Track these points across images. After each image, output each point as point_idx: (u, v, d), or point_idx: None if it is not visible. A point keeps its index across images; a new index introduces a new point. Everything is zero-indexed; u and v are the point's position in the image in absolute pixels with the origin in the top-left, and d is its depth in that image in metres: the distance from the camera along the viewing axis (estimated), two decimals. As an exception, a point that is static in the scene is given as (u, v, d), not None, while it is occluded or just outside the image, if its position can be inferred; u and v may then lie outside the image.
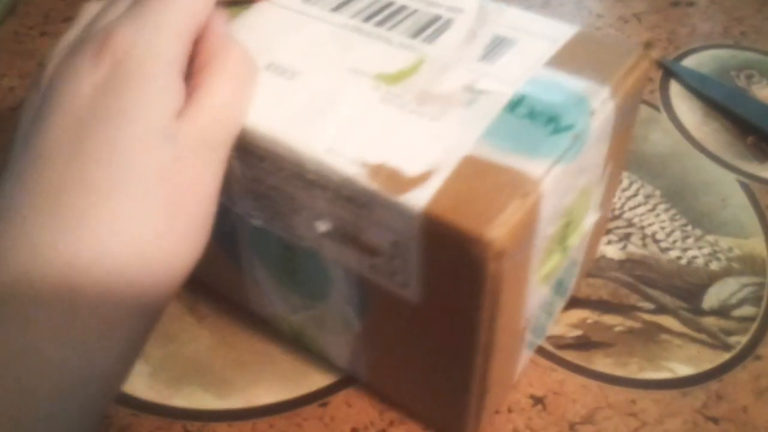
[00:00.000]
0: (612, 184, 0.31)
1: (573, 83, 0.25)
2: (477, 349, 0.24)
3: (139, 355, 0.22)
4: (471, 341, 0.24)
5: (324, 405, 0.31)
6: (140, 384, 0.31)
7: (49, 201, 0.20)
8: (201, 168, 0.22)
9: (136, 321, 0.21)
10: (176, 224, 0.21)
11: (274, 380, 0.32)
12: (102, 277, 0.20)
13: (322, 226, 0.25)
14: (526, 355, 0.31)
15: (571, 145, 0.23)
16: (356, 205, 0.23)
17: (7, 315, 0.19)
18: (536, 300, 0.27)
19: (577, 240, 0.29)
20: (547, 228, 0.24)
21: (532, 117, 0.23)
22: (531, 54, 0.26)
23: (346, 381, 0.32)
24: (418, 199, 0.21)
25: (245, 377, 0.32)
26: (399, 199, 0.22)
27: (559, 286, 0.31)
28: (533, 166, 0.22)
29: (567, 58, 0.26)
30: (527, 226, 0.22)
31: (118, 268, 0.20)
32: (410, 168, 0.22)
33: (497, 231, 0.21)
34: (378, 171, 0.22)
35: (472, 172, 0.22)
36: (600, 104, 0.24)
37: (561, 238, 0.27)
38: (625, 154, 0.31)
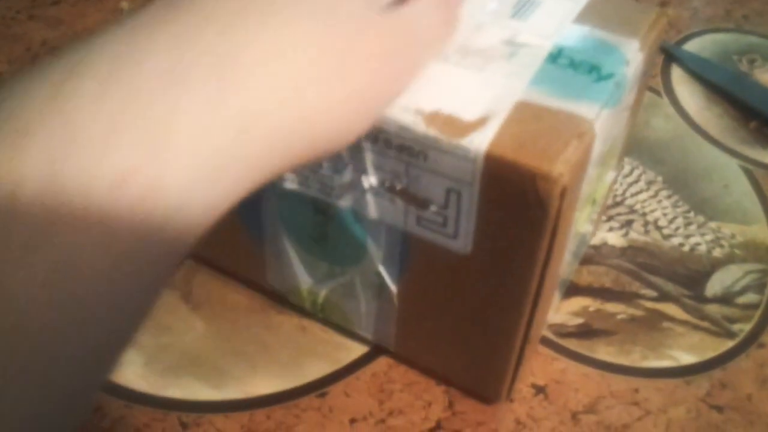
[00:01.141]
0: (623, 145, 0.32)
1: (604, 36, 0.26)
2: (528, 293, 0.25)
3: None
4: (523, 286, 0.25)
5: (322, 395, 0.30)
6: (133, 375, 0.31)
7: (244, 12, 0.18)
8: (389, 57, 0.22)
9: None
10: (341, 88, 0.20)
11: (271, 370, 0.31)
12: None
13: (369, 181, 0.25)
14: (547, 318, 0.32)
15: (613, 91, 0.24)
16: (409, 154, 0.23)
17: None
18: (570, 252, 0.28)
19: (602, 194, 0.29)
20: (592, 171, 0.25)
21: (574, 67, 0.25)
22: (558, 12, 0.27)
23: (345, 371, 0.31)
24: (480, 141, 0.22)
25: (241, 367, 0.31)
26: (461, 143, 0.22)
27: (579, 248, 0.31)
28: (585, 109, 0.23)
29: (592, 15, 0.27)
30: (584, 165, 0.23)
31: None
32: (466, 114, 0.23)
33: (562, 167, 0.21)
34: (434, 118, 0.23)
35: (527, 116, 0.23)
36: (632, 55, 0.26)
37: (592, 190, 0.27)
38: (637, 112, 0.32)
